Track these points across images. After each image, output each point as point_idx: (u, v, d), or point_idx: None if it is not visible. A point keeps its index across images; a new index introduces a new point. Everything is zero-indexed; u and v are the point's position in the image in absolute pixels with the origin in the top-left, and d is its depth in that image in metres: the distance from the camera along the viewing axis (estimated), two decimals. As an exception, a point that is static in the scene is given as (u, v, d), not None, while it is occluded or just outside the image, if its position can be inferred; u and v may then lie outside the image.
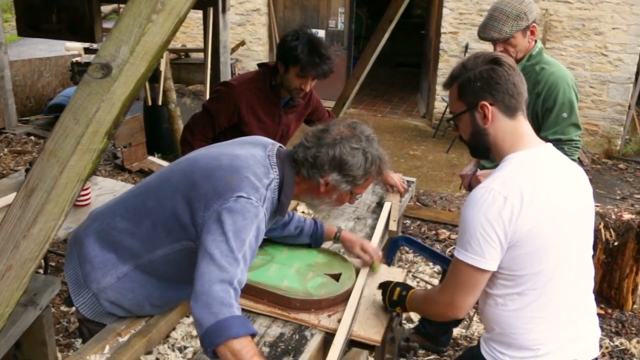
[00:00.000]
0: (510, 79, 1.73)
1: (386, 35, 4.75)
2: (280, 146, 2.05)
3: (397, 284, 2.12)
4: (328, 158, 1.89)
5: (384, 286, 2.17)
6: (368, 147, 1.92)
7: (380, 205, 3.20)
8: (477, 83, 1.73)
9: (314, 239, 2.44)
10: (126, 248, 1.95)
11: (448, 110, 1.87)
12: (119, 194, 2.15)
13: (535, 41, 2.90)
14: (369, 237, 2.79)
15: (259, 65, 3.10)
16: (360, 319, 2.13)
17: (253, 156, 1.90)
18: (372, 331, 2.07)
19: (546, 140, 2.84)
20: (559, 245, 1.70)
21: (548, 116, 2.86)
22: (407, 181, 3.52)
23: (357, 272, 2.35)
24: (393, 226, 2.90)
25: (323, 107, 3.40)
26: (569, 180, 1.79)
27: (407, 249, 4.72)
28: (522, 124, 1.78)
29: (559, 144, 2.84)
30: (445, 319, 1.88)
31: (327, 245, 2.73)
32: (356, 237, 2.47)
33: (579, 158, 2.93)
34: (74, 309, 2.16)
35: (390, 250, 2.26)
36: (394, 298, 2.08)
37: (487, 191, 1.65)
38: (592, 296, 1.90)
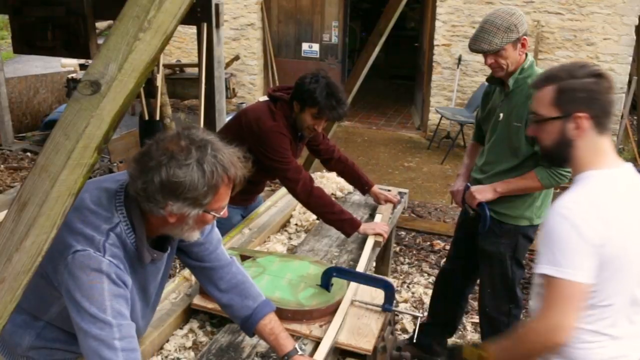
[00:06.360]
0: (608, 98, 1.70)
1: (377, 49, 4.81)
2: None
3: (467, 345, 2.07)
4: (156, 187, 1.55)
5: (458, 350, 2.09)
6: (202, 157, 1.57)
7: (372, 217, 3.24)
8: (581, 93, 1.69)
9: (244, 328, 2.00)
10: (27, 309, 1.78)
11: (535, 110, 1.79)
12: None
13: (526, 54, 2.93)
14: (360, 248, 2.83)
15: (276, 99, 3.02)
16: (351, 329, 2.15)
17: (99, 199, 1.67)
18: (363, 340, 2.10)
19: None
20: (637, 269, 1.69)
21: None
22: (399, 192, 3.59)
23: (348, 283, 2.38)
24: (379, 237, 2.95)
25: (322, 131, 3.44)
26: None
27: (401, 260, 4.75)
28: (606, 143, 1.74)
29: None
30: (550, 348, 1.71)
31: (319, 256, 2.76)
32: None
33: None
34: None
35: (325, 280, 2.31)
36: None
37: (574, 204, 1.64)
38: None
